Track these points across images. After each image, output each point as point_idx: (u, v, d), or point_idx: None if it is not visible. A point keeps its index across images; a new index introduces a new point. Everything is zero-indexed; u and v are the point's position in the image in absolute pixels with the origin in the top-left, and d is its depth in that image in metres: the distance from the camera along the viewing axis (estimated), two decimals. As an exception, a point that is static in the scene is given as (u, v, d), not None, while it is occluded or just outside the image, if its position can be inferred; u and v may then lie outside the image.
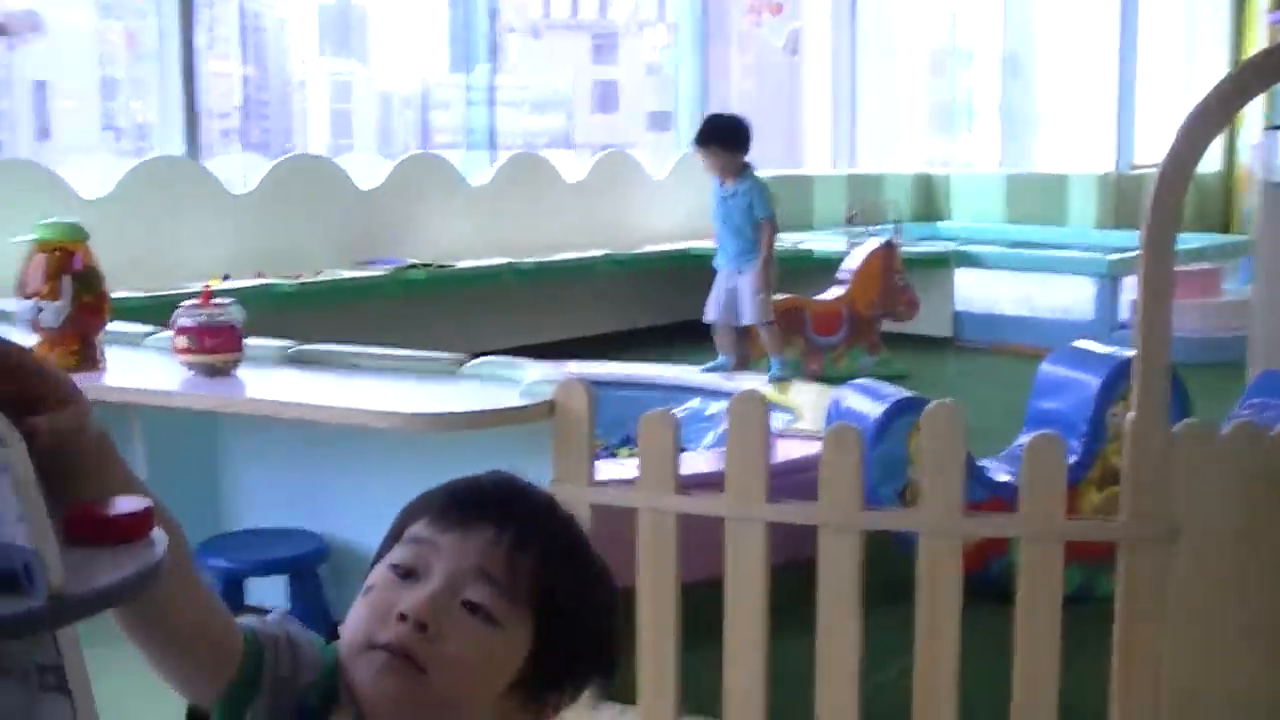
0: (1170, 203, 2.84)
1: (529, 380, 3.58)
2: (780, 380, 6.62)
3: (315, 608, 3.69)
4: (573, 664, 1.17)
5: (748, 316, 6.66)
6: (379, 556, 1.19)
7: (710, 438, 5.34)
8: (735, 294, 6.66)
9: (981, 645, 3.34)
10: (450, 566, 1.07)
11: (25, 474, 0.68)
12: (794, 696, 3.36)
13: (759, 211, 6.55)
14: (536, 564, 1.11)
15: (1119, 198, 11.06)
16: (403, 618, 1.06)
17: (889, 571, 3.73)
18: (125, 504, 0.79)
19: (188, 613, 1.05)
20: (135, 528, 0.78)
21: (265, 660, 1.12)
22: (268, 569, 3.72)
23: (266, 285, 6.88)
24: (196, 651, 1.09)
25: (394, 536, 1.18)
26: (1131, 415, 2.96)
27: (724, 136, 6.59)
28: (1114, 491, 3.19)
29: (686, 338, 6.94)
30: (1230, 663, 2.99)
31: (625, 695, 3.41)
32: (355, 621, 1.10)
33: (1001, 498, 3.77)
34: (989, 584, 3.80)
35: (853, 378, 5.00)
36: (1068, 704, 3.13)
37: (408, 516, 1.18)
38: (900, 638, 3.28)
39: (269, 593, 3.83)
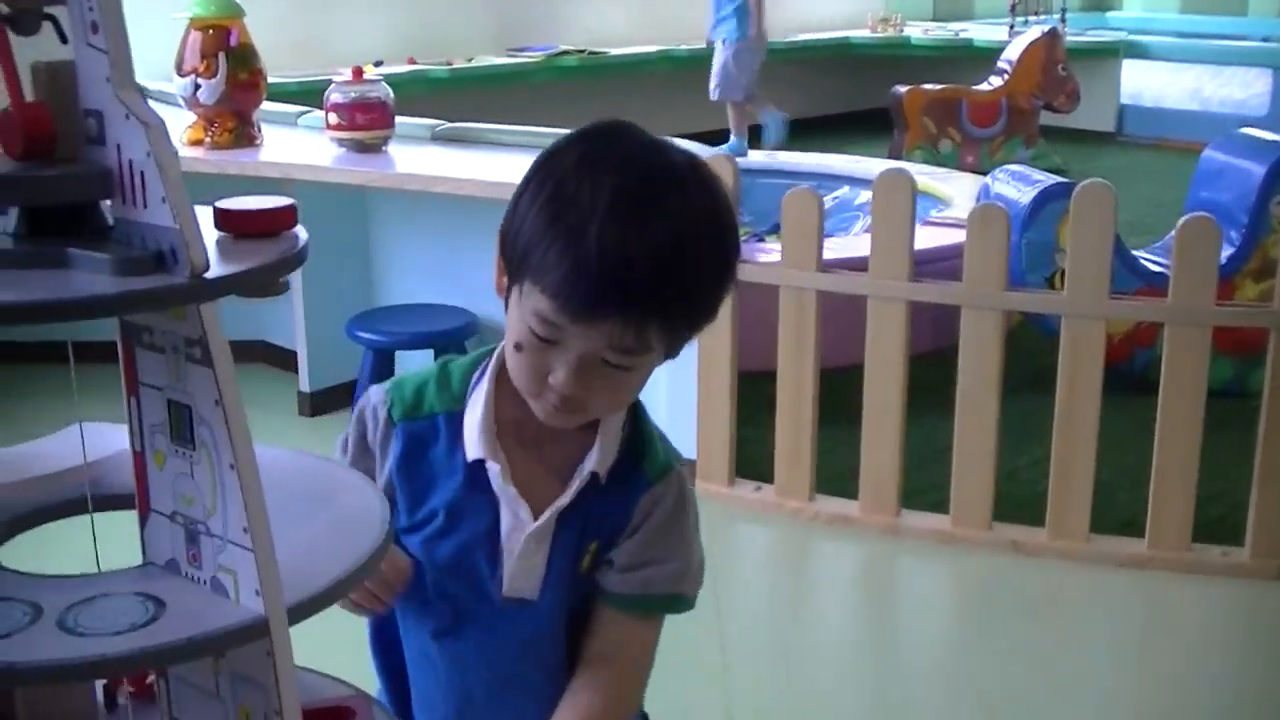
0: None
1: (673, 158, 3.57)
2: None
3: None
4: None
5: (713, 87, 6.48)
6: (511, 235, 1.15)
7: (859, 226, 5.30)
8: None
9: (1121, 435, 3.31)
10: (582, 348, 1.14)
11: (169, 159, 0.72)
12: (928, 478, 3.39)
13: None
14: (666, 318, 1.15)
15: (1307, -14, 10.43)
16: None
17: (1031, 364, 3.71)
18: (270, 201, 0.83)
19: None
20: (277, 221, 0.83)
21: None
22: (416, 343, 3.82)
23: (419, 71, 6.90)
24: None
25: (521, 234, 1.14)
26: (1292, 198, 2.86)
27: None
28: (1273, 285, 3.09)
29: (843, 128, 6.83)
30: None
31: (761, 472, 3.48)
32: (516, 368, 1.20)
33: (1155, 286, 3.69)
34: (1134, 377, 3.76)
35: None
36: (1205, 495, 3.09)
37: (535, 238, 1.12)
38: (1038, 427, 3.27)
39: (417, 365, 3.95)
